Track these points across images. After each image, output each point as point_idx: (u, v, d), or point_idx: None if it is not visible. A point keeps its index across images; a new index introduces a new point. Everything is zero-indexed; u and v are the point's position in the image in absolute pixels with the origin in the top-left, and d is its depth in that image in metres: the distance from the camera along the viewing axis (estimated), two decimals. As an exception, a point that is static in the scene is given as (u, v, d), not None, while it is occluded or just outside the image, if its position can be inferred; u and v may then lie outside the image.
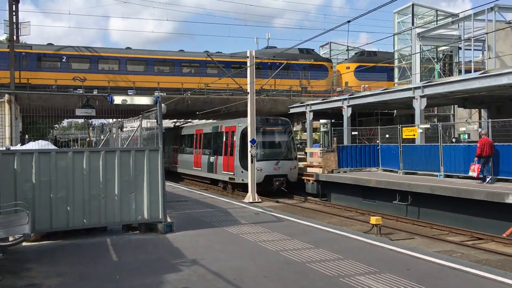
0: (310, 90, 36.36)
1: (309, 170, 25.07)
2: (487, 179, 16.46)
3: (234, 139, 24.49)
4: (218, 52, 34.74)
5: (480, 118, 29.29)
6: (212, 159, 27.08)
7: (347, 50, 39.16)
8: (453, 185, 16.09)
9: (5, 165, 8.67)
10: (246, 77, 21.95)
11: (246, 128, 22.17)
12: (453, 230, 14.57)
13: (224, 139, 25.94)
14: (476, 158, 16.81)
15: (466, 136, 27.51)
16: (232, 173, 24.29)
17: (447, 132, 26.00)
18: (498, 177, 16.72)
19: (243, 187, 22.82)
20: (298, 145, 53.31)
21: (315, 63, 35.32)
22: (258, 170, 21.92)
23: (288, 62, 31.39)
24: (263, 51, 36.53)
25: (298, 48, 36.06)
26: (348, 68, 36.61)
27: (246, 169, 21.63)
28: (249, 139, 21.29)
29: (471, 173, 16.95)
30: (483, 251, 12.12)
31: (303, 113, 33.15)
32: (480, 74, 20.21)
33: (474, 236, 13.77)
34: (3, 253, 7.85)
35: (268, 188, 23.06)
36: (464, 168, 18.09)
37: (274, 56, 34.38)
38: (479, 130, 25.69)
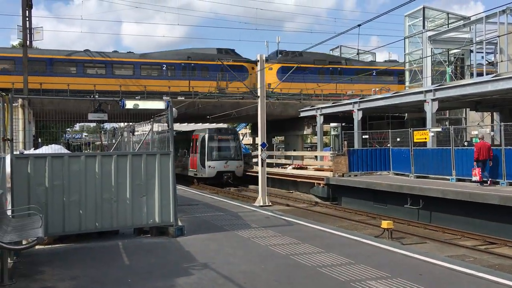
0: (320, 93, 36.26)
1: (320, 173, 25.03)
2: (488, 182, 16.90)
3: (197, 144, 32.06)
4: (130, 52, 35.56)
5: (492, 121, 29.02)
6: (187, 160, 34.30)
7: (358, 53, 39.01)
8: (465, 189, 15.97)
9: (18, 169, 8.77)
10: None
11: (204, 136, 31.57)
12: (466, 234, 14.44)
13: (191, 144, 33.36)
14: (475, 163, 17.19)
15: (479, 140, 27.25)
16: (196, 170, 32.01)
17: (459, 135, 25.79)
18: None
19: (204, 180, 31.62)
20: (308, 148, 53.02)
21: (234, 63, 34.81)
22: (211, 167, 30.72)
23: (206, 62, 34.16)
24: (178, 51, 36.48)
25: (217, 48, 36.39)
26: (270, 69, 36.12)
27: (204, 166, 30.78)
28: (259, 143, 21.34)
29: (473, 178, 17.28)
30: (496, 256, 12.00)
31: (314, 117, 33.10)
32: (493, 77, 20.05)
33: (487, 241, 13.64)
34: (16, 256, 7.95)
35: (220, 181, 30.67)
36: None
37: (189, 57, 34.64)
38: (492, 133, 25.51)
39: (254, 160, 35.38)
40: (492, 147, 17.51)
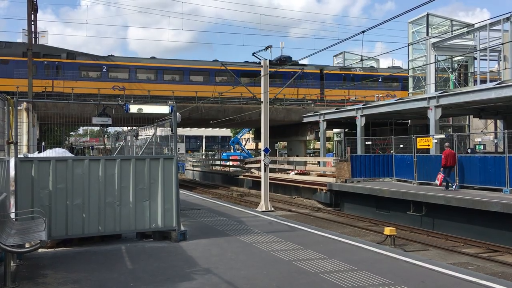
0: (325, 99, 36.39)
1: (322, 179, 25.02)
2: (454, 186, 18.39)
3: None
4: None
5: (496, 128, 28.98)
6: None
7: (361, 60, 39.10)
8: (468, 196, 15.94)
9: (22, 172, 8.80)
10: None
11: None
12: (468, 241, 14.40)
13: None
14: (442, 169, 18.71)
15: (482, 147, 27.23)
16: None
17: (462, 142, 25.77)
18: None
19: None
20: (310, 154, 52.97)
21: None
22: None
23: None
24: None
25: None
26: None
27: None
28: (262, 148, 21.34)
29: (436, 181, 19.12)
30: (499, 263, 11.95)
31: (317, 122, 33.13)
32: (496, 84, 20.05)
33: (490, 248, 13.60)
34: (19, 259, 7.96)
35: None
36: (479, 179, 17.99)
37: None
38: (495, 140, 25.45)
39: (249, 165, 35.45)
40: (457, 155, 19.12)
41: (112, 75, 33.72)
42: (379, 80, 38.25)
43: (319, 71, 38.30)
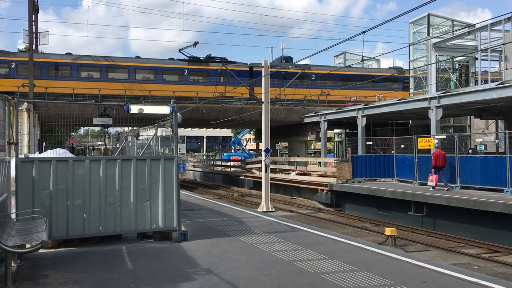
0: (325, 99, 36.31)
1: (323, 180, 25.02)
2: (447, 187, 18.58)
3: None
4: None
5: (497, 129, 28.95)
6: None
7: (362, 60, 39.08)
8: (469, 197, 15.92)
9: (23, 173, 8.80)
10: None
11: None
12: (470, 242, 14.38)
13: None
14: (432, 169, 18.96)
15: (483, 148, 27.22)
16: None
17: (463, 143, 25.74)
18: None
19: None
20: (311, 154, 52.93)
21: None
22: None
23: None
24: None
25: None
26: None
27: None
28: (263, 148, 21.34)
29: (429, 183, 19.22)
30: (500, 264, 11.94)
31: (317, 123, 33.12)
32: (497, 84, 20.04)
33: (491, 249, 13.59)
34: (20, 259, 7.97)
35: None
36: (480, 180, 17.99)
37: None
38: (496, 141, 25.42)
39: (249, 166, 35.44)
40: (446, 155, 19.26)
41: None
42: (312, 78, 37.85)
43: (248, 69, 36.96)
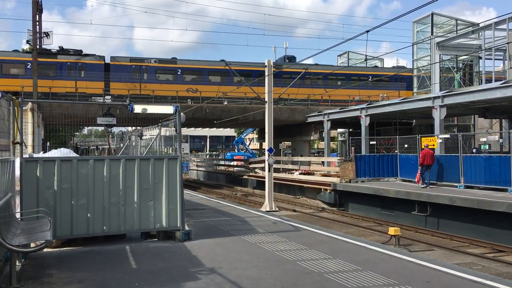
0: (328, 99, 36.24)
1: (326, 179, 25.00)
2: (426, 185, 19.42)
3: None
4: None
5: (501, 128, 28.86)
6: None
7: (366, 59, 39.01)
8: (474, 196, 15.88)
9: (28, 172, 8.84)
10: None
11: None
12: (474, 242, 14.35)
13: None
14: (419, 167, 19.90)
15: (487, 147, 27.12)
16: None
17: (467, 142, 25.68)
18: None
19: None
20: (315, 154, 52.83)
21: None
22: None
23: None
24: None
25: None
26: None
27: None
28: (266, 148, 21.34)
29: (416, 180, 20.62)
30: (505, 264, 11.91)
31: (321, 122, 33.09)
32: (502, 84, 19.98)
33: (495, 249, 13.54)
34: (25, 259, 8.00)
35: None
36: (484, 179, 17.92)
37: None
38: (500, 140, 25.31)
39: (253, 165, 35.45)
40: (434, 155, 20.19)
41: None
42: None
43: (102, 62, 34.42)
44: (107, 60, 34.51)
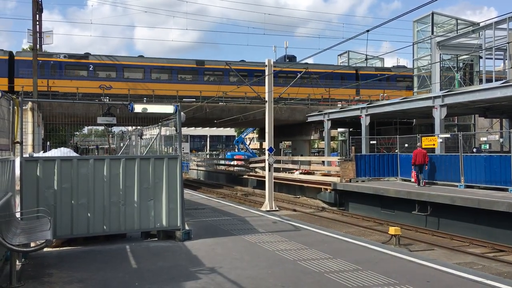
0: (328, 98, 36.23)
1: (327, 179, 24.99)
2: (421, 183, 19.78)
3: None
4: None
5: (501, 128, 28.86)
6: None
7: (366, 59, 38.99)
8: (474, 196, 15.87)
9: (28, 172, 8.83)
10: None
11: None
12: (474, 241, 14.34)
13: None
14: (413, 166, 20.28)
15: (487, 147, 27.11)
16: None
17: (467, 142, 25.67)
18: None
19: None
20: (315, 153, 52.87)
21: None
22: None
23: None
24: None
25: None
26: None
27: None
28: (266, 147, 21.33)
29: (412, 179, 21.04)
30: (505, 263, 11.90)
31: (321, 122, 33.08)
32: (502, 83, 19.96)
33: (496, 248, 13.54)
34: (25, 258, 7.99)
35: None
36: (485, 179, 17.92)
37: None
38: (500, 140, 25.30)
39: (253, 165, 35.43)
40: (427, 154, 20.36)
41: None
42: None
43: (6, 57, 32.43)
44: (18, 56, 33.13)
